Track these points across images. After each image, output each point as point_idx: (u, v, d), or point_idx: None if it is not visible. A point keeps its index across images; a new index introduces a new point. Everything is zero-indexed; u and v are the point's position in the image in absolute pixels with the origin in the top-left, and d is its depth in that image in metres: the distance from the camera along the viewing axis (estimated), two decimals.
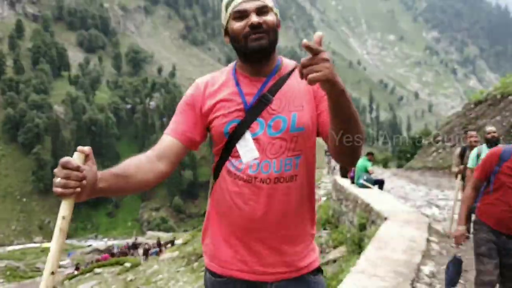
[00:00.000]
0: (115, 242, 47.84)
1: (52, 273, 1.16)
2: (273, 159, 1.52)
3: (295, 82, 1.57)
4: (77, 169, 1.19)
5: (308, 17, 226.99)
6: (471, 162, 5.63)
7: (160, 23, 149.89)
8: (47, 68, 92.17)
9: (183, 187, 77.35)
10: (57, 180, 1.18)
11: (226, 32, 1.56)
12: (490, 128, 5.70)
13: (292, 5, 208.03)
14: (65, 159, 1.19)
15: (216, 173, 1.62)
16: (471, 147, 6.19)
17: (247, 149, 1.52)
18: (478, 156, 5.52)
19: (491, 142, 5.51)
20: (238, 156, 1.54)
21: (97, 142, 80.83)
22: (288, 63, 1.64)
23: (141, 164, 1.47)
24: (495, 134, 5.57)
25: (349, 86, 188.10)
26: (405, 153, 32.14)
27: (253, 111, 1.53)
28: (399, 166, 29.20)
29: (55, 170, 1.20)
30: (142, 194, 77.43)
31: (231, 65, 1.66)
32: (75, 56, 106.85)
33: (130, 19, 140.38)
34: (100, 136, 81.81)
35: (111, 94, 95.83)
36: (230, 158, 1.56)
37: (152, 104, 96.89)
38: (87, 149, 1.24)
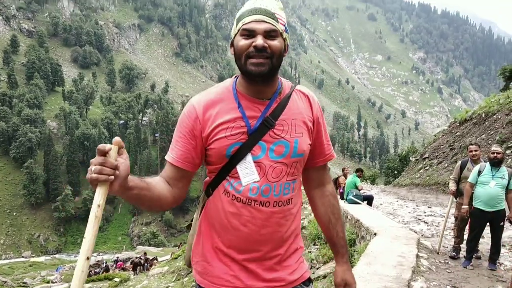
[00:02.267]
0: (105, 256, 47.48)
1: (87, 258, 1.17)
2: (273, 183, 1.52)
3: (295, 107, 1.58)
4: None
5: (299, 37, 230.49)
6: (471, 177, 5.68)
7: (153, 40, 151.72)
8: (41, 83, 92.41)
9: None
10: (93, 167, 1.20)
11: (232, 43, 1.54)
12: (494, 148, 5.57)
13: None
14: (101, 145, 1.21)
15: (210, 190, 1.60)
16: (472, 161, 6.21)
17: (247, 172, 1.50)
18: (479, 173, 5.59)
19: (494, 162, 5.48)
20: (237, 177, 1.51)
21: (89, 157, 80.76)
22: (286, 84, 1.63)
23: (160, 182, 1.50)
24: (499, 156, 5.47)
25: (338, 104, 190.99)
26: (393, 170, 33.16)
27: (256, 135, 1.51)
28: (387, 182, 30.21)
29: (92, 160, 1.21)
30: (132, 208, 77.62)
31: (230, 82, 1.60)
32: (70, 72, 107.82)
33: (125, 37, 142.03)
34: (93, 151, 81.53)
35: (104, 109, 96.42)
36: (228, 178, 1.53)
37: (145, 119, 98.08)
38: (121, 142, 1.25)
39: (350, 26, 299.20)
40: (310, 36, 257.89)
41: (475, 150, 6.19)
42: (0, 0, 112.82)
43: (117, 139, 1.25)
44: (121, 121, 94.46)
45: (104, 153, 1.21)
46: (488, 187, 5.42)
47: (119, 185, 1.26)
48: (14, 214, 72.29)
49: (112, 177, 1.22)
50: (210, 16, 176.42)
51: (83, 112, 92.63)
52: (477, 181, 5.59)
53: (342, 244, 1.77)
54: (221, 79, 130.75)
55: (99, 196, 1.21)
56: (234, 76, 1.63)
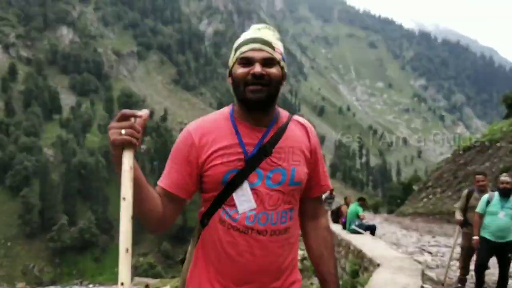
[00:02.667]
0: None
1: (127, 250, 1.16)
2: (270, 211, 1.51)
3: (292, 135, 1.59)
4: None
5: (299, 64, 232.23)
6: (480, 207, 5.62)
7: (152, 68, 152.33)
8: (38, 111, 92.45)
9: (172, 232, 76.11)
10: (123, 130, 1.24)
11: (230, 73, 1.55)
12: (503, 178, 5.53)
13: (283, 52, 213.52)
14: (129, 111, 1.28)
15: (205, 220, 1.58)
16: (480, 191, 6.13)
17: (244, 199, 1.49)
18: (488, 202, 5.52)
19: (504, 192, 5.44)
20: (233, 205, 1.51)
21: (86, 185, 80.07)
22: (283, 113, 1.64)
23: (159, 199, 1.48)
24: (508, 186, 5.41)
25: (339, 131, 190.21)
26: (396, 199, 32.29)
27: (253, 162, 1.50)
28: (390, 211, 29.52)
29: (115, 123, 1.26)
30: None
31: (227, 110, 1.61)
32: (68, 99, 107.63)
33: (123, 64, 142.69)
34: (90, 179, 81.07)
35: (102, 137, 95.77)
36: (224, 206, 1.52)
37: (143, 147, 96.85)
38: (144, 114, 1.32)
39: (350, 54, 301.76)
40: (310, 63, 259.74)
41: (482, 181, 6.19)
42: (0, 28, 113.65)
43: (142, 111, 1.32)
44: None
45: (131, 118, 1.26)
46: (497, 218, 5.38)
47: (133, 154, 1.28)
48: (9, 244, 70.96)
49: (138, 142, 1.26)
50: (210, 43, 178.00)
51: (80, 140, 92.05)
52: (485, 211, 5.53)
53: (334, 280, 1.72)
54: (220, 106, 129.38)
55: (130, 159, 1.23)
56: (231, 104, 1.64)
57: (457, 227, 6.46)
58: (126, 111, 1.27)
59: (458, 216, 6.26)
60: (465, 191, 6.45)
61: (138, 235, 76.21)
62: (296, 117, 1.67)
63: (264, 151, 1.51)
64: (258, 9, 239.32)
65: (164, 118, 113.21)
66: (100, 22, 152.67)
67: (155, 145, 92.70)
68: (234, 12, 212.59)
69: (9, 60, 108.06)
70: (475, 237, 5.60)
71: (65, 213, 73.57)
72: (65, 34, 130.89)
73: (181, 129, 1.42)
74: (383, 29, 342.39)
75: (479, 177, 6.29)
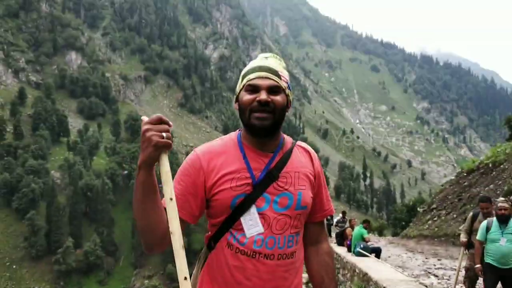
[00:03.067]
0: None
1: (182, 246, 1.17)
2: (278, 235, 1.52)
3: (297, 160, 1.62)
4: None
5: (302, 88, 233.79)
6: (480, 234, 5.50)
7: (159, 92, 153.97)
8: (46, 134, 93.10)
9: None
10: (164, 134, 1.29)
11: (237, 99, 1.59)
12: (501, 204, 5.27)
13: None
14: (163, 116, 1.33)
15: (212, 244, 1.58)
16: (485, 215, 6.04)
17: (252, 224, 1.50)
18: (487, 229, 5.37)
19: (501, 219, 5.28)
20: (241, 229, 1.51)
21: (92, 207, 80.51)
22: (287, 139, 1.67)
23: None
24: (506, 212, 5.23)
25: (343, 154, 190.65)
26: (400, 221, 32.42)
27: (261, 186, 1.52)
28: (395, 234, 29.38)
29: (150, 126, 1.30)
30: (134, 261, 76.07)
31: (234, 135, 1.64)
32: (75, 123, 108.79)
33: (130, 88, 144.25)
34: (96, 201, 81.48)
35: (108, 160, 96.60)
36: (231, 230, 1.53)
37: None
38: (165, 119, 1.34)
39: (353, 77, 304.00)
40: (314, 87, 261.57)
41: (487, 208, 6.05)
42: (10, 53, 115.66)
43: (158, 116, 1.36)
44: (125, 172, 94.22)
45: (164, 123, 1.31)
46: (499, 245, 5.20)
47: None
48: (14, 267, 70.81)
49: (171, 146, 1.30)
50: (215, 68, 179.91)
51: (87, 163, 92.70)
52: (486, 238, 5.37)
53: None
54: (226, 129, 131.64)
55: (166, 163, 1.28)
56: (238, 130, 1.67)
57: (462, 249, 6.39)
58: (163, 116, 1.31)
59: (463, 237, 6.22)
60: (470, 214, 6.36)
61: (142, 257, 76.41)
62: (299, 143, 1.71)
63: (271, 176, 1.53)
64: (262, 35, 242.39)
65: None
66: (108, 47, 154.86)
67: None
68: (238, 37, 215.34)
69: (18, 84, 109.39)
70: (477, 266, 5.54)
71: (71, 236, 73.60)
72: (74, 59, 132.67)
73: (187, 152, 1.59)
74: (386, 53, 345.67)
75: (483, 204, 6.12)
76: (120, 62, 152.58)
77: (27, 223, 72.20)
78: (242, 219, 1.51)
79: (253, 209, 1.51)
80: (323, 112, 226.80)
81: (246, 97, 1.52)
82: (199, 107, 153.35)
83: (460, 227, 6.54)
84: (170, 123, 1.32)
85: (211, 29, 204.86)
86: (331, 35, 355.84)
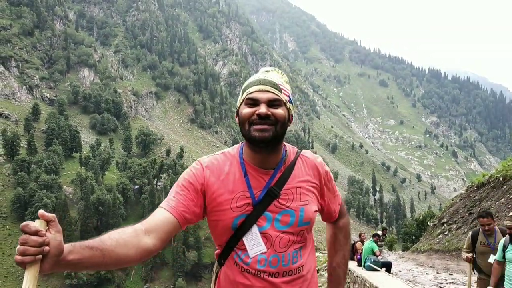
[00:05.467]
0: None
1: None
2: (281, 253, 1.50)
3: (300, 174, 1.59)
4: (36, 233, 1.07)
5: (311, 103, 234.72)
6: (498, 254, 4.80)
7: (170, 107, 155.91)
8: (59, 149, 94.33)
9: (188, 268, 76.57)
10: (18, 247, 1.07)
11: (238, 112, 1.57)
12: (509, 223, 4.66)
13: (296, 91, 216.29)
14: (24, 223, 1.08)
15: (222, 261, 1.58)
16: (486, 234, 5.38)
17: (254, 243, 1.49)
18: (504, 247, 4.70)
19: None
20: (244, 249, 1.51)
21: (104, 222, 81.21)
22: (291, 151, 1.65)
23: (124, 237, 1.32)
24: None
25: (352, 168, 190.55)
26: (410, 235, 32.48)
27: (261, 206, 1.50)
28: (405, 248, 29.71)
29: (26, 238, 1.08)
30: (145, 275, 76.44)
31: (236, 149, 1.63)
32: (87, 138, 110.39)
33: (142, 104, 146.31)
34: (107, 216, 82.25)
35: (120, 175, 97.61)
36: (236, 249, 1.52)
37: (160, 184, 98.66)
38: (49, 215, 1.12)
39: (362, 92, 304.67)
40: (322, 102, 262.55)
41: (488, 224, 5.24)
42: (25, 71, 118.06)
43: (41, 212, 1.12)
44: (136, 186, 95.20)
45: (30, 232, 1.07)
46: None
47: (51, 264, 1.12)
48: None
49: (40, 256, 1.08)
50: (225, 83, 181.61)
51: (99, 178, 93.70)
52: (504, 258, 4.69)
53: (329, 272, 1.81)
54: (235, 144, 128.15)
55: (27, 281, 1.06)
56: (240, 143, 1.64)
57: (468, 266, 5.67)
58: (22, 225, 1.09)
59: (465, 255, 5.52)
60: (469, 234, 5.68)
61: (153, 271, 76.88)
62: (304, 152, 1.68)
63: (272, 194, 1.51)
64: (271, 51, 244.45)
65: (180, 156, 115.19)
66: (120, 64, 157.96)
67: (171, 182, 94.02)
68: (248, 53, 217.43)
69: (32, 100, 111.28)
70: None
71: None
72: (87, 76, 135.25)
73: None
74: (394, 67, 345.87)
75: (483, 220, 5.30)
76: (131, 78, 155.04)
77: None
78: (244, 239, 1.50)
79: (255, 229, 1.50)
80: (332, 127, 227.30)
81: (246, 110, 1.51)
82: (209, 122, 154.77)
83: (463, 248, 5.67)
84: (32, 225, 1.09)
85: (221, 45, 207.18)
86: (339, 50, 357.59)
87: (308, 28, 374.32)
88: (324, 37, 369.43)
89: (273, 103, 1.50)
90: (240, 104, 1.56)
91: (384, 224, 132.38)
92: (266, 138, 1.47)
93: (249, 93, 1.52)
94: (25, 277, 1.08)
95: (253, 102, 1.50)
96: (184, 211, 1.47)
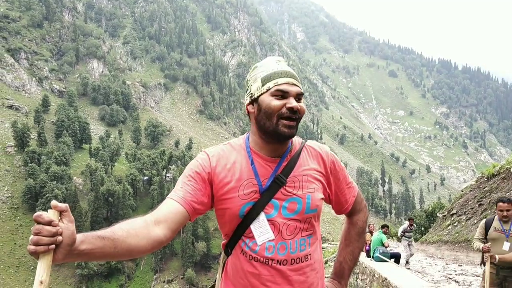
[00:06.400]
0: None
1: (41, 282, 1.08)
2: (289, 240, 1.51)
3: (305, 163, 1.60)
4: (49, 223, 1.09)
5: (320, 94, 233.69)
6: None
7: (178, 99, 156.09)
8: (69, 140, 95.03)
9: (197, 259, 77.03)
10: (31, 237, 1.09)
11: (253, 101, 1.54)
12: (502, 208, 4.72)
13: (305, 82, 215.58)
14: (37, 213, 1.10)
15: (228, 250, 1.59)
16: (502, 221, 5.06)
17: (262, 231, 1.50)
18: None
19: None
20: (252, 237, 1.51)
21: (113, 213, 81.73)
22: (296, 141, 1.65)
23: (135, 228, 1.34)
24: None
25: (361, 159, 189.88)
26: (419, 227, 32.50)
27: (268, 193, 1.51)
28: (414, 239, 29.82)
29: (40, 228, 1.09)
30: (154, 265, 77.04)
31: (242, 140, 1.62)
32: (97, 130, 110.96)
33: (151, 95, 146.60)
34: (117, 207, 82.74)
35: (129, 166, 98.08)
36: (243, 238, 1.53)
37: (169, 175, 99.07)
38: (62, 205, 1.13)
39: (371, 83, 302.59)
40: (331, 93, 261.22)
41: (507, 210, 4.92)
42: (34, 63, 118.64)
43: (54, 202, 1.13)
44: (145, 178, 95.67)
45: (43, 222, 1.09)
46: None
47: (64, 253, 1.14)
48: None
49: (53, 246, 1.10)
50: (233, 74, 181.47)
51: (108, 169, 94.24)
52: None
53: (335, 265, 1.80)
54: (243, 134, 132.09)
55: (41, 270, 1.08)
56: (246, 133, 1.64)
57: (486, 255, 5.05)
58: (35, 216, 1.12)
59: (479, 243, 5.16)
60: (483, 221, 5.41)
61: (162, 262, 77.47)
62: (309, 142, 1.68)
63: (279, 181, 1.52)
64: (279, 41, 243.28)
65: (189, 147, 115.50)
66: (129, 55, 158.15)
67: (181, 173, 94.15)
68: (256, 44, 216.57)
69: (42, 92, 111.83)
70: None
71: None
72: (96, 68, 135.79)
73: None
74: (403, 58, 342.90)
75: (502, 205, 5.03)
76: (140, 70, 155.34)
77: None
78: (252, 226, 1.51)
79: (262, 216, 1.50)
80: (341, 118, 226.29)
81: (275, 102, 1.47)
82: (217, 113, 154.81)
83: (475, 236, 5.41)
84: (45, 215, 1.11)
85: (229, 36, 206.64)
86: (348, 41, 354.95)
87: (317, 19, 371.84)
88: (333, 28, 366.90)
89: (299, 97, 1.50)
90: (261, 94, 1.51)
91: (392, 215, 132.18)
92: (293, 134, 1.49)
93: (278, 84, 1.48)
94: (38, 266, 1.10)
95: (282, 94, 1.48)
96: (193, 201, 1.47)
